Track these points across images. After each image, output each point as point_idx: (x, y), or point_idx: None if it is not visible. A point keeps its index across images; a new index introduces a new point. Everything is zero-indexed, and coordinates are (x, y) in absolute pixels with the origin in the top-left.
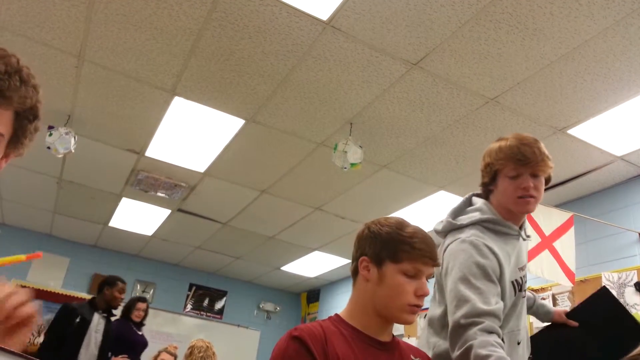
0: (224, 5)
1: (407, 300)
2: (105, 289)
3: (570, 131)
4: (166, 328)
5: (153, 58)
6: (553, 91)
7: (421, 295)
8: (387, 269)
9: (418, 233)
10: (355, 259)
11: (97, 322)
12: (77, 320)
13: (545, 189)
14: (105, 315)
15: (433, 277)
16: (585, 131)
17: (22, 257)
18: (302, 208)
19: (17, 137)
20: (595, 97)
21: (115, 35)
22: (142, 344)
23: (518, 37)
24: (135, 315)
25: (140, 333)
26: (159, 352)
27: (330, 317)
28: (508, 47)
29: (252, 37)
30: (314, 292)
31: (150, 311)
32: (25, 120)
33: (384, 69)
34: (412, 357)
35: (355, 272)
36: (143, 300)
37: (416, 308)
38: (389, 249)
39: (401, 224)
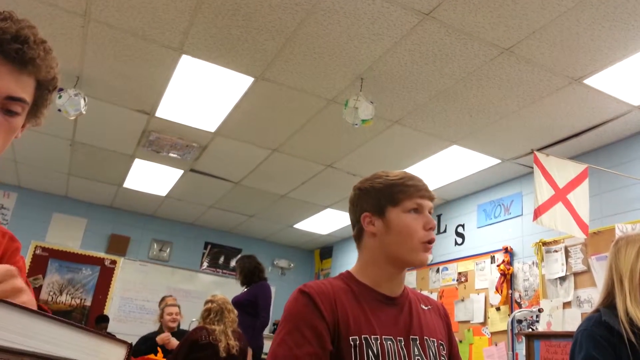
0: None
1: (418, 237)
2: None
3: (587, 81)
4: (184, 285)
5: (159, 15)
6: (569, 40)
7: (430, 228)
8: (391, 215)
9: (404, 174)
10: (356, 221)
11: None
12: None
13: (562, 141)
14: None
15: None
16: (601, 81)
17: None
18: (313, 166)
19: (37, 107)
20: (612, 45)
21: None
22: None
23: None
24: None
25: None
26: (164, 308)
27: (341, 274)
28: None
29: None
30: (326, 249)
31: (168, 269)
32: (46, 90)
33: (395, 20)
34: (423, 306)
35: (359, 235)
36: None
37: (429, 245)
38: (386, 195)
39: (386, 173)
